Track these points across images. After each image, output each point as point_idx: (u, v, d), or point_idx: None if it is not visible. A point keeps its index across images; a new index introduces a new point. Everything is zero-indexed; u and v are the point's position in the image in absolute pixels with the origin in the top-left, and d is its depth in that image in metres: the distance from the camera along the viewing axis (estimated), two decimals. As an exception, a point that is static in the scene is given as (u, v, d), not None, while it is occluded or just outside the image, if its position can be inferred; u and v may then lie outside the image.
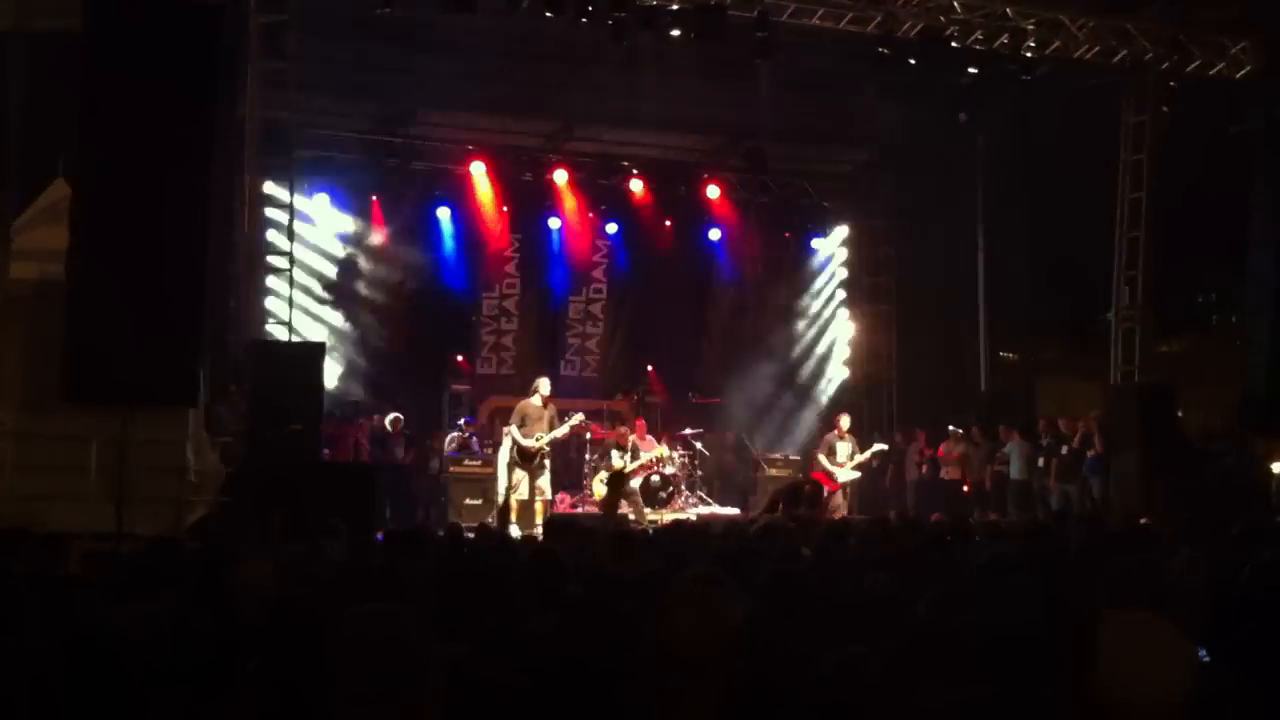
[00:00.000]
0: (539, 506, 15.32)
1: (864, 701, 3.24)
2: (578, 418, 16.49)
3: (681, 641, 3.10)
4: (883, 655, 3.64)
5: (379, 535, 9.31)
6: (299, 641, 3.70)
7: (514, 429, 15.45)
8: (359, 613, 2.87)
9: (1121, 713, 2.77)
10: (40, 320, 11.07)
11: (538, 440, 15.32)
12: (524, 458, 15.37)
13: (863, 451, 17.24)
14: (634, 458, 17.14)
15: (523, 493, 15.36)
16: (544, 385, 15.87)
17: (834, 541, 7.85)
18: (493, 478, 16.53)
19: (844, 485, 16.94)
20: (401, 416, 18.15)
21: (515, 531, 13.84)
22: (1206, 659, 4.10)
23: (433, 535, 8.97)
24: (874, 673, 3.31)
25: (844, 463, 16.90)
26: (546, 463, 15.57)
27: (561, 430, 15.84)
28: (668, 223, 21.54)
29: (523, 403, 15.85)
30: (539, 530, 13.13)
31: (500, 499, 15.74)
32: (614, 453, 17.15)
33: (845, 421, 17.59)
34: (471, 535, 9.89)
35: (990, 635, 3.79)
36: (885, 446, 18.78)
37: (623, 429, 17.87)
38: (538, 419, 15.48)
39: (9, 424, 10.93)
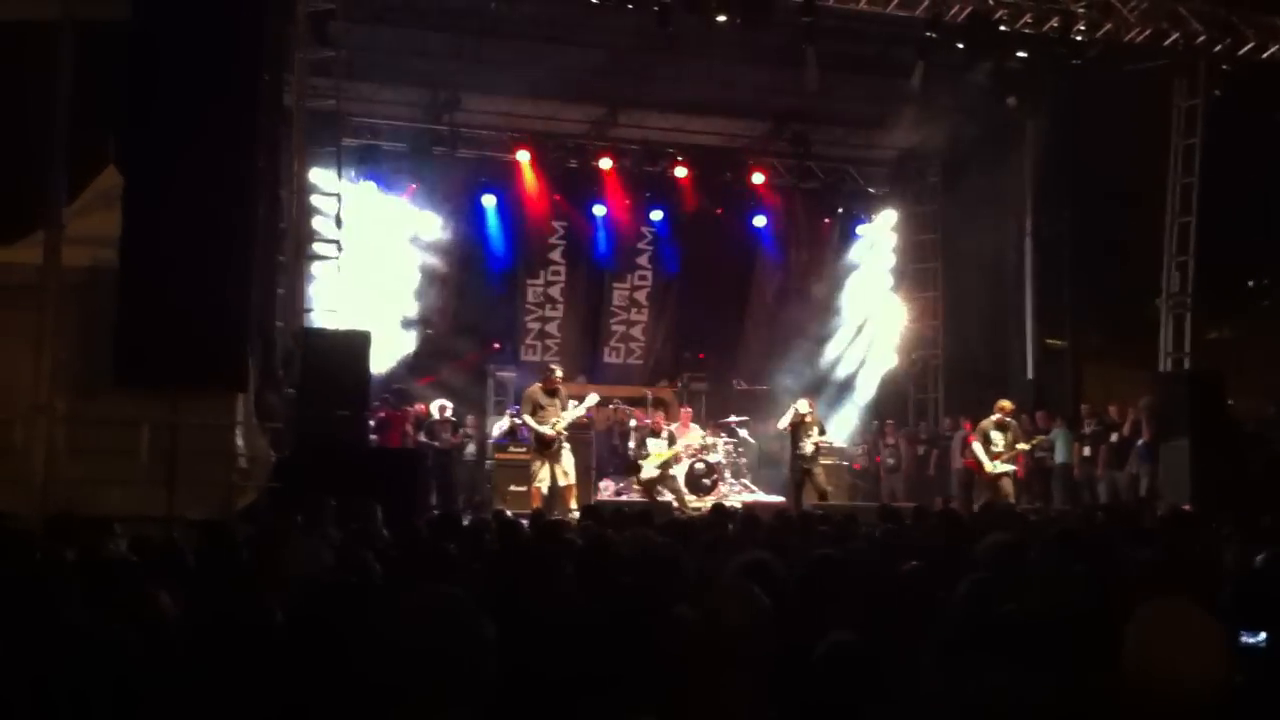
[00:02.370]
0: (565, 491, 15.12)
1: (908, 687, 3.24)
2: (592, 399, 16.07)
3: (722, 629, 3.11)
4: (925, 642, 3.64)
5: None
6: (348, 626, 3.72)
7: (529, 419, 15.30)
8: (420, 592, 2.88)
9: (1157, 699, 2.77)
10: (92, 306, 11.11)
11: (554, 426, 15.18)
12: (542, 445, 15.24)
13: (1019, 442, 15.71)
14: (671, 444, 17.09)
15: (543, 478, 15.25)
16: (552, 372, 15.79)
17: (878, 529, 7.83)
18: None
19: (1002, 477, 15.45)
20: (449, 404, 18.20)
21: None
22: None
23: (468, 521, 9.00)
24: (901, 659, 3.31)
25: (1001, 452, 15.48)
26: (566, 445, 15.30)
27: (577, 411, 15.55)
28: (713, 210, 21.46)
29: (530, 390, 15.62)
30: (572, 516, 13.17)
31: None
32: (649, 440, 17.12)
33: (1007, 405, 15.93)
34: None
35: (1030, 622, 3.79)
36: (1047, 436, 17.33)
37: (658, 416, 17.74)
38: (549, 405, 15.28)
39: (61, 408, 11.05)
